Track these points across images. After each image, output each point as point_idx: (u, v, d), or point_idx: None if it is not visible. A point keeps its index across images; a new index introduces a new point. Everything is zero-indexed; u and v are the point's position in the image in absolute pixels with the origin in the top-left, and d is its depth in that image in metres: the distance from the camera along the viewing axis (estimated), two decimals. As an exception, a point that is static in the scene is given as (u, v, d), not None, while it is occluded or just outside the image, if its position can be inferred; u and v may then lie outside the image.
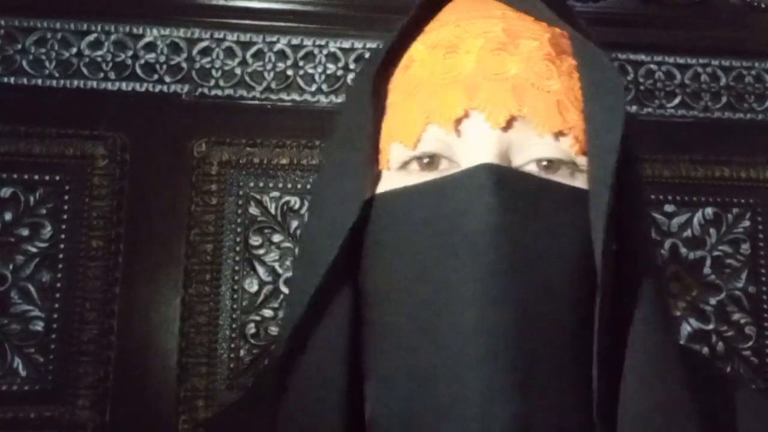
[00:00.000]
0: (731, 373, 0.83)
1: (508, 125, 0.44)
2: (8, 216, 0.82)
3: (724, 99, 0.92)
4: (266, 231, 0.85)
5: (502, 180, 0.42)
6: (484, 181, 0.42)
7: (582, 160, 0.45)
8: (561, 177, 0.45)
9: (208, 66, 0.87)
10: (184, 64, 0.87)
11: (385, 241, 0.46)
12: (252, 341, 0.83)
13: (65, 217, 0.83)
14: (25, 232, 0.82)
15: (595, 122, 0.45)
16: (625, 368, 0.43)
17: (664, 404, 0.43)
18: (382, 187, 0.47)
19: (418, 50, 0.49)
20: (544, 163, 0.45)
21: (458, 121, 0.44)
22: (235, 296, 0.83)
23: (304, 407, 0.46)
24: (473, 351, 0.40)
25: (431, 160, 0.46)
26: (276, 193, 0.86)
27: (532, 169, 0.45)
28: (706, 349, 0.87)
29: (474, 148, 0.44)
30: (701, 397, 0.45)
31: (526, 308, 0.41)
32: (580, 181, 0.46)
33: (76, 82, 0.85)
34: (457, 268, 0.41)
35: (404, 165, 0.46)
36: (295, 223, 0.86)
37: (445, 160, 0.45)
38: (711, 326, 0.88)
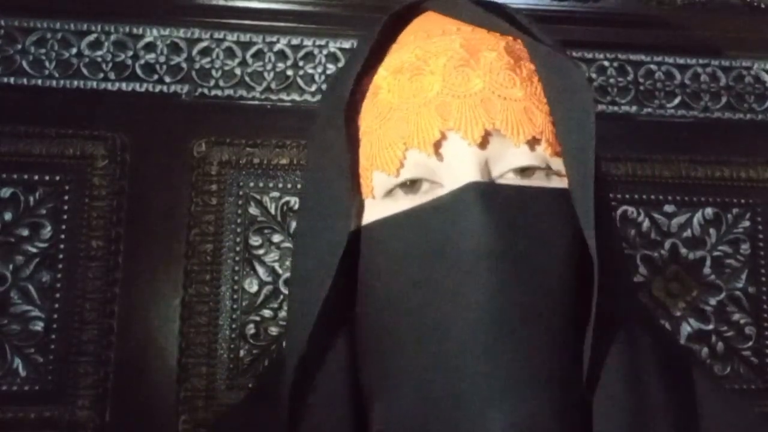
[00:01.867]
0: (702, 366, 0.83)
1: (485, 140, 0.46)
2: (8, 216, 0.82)
3: (724, 99, 0.92)
4: (266, 231, 0.85)
5: (487, 196, 0.44)
6: (471, 200, 0.44)
7: (556, 162, 0.47)
8: (538, 181, 0.47)
9: (208, 66, 0.87)
10: (184, 65, 0.87)
11: (378, 270, 0.47)
12: (252, 341, 0.83)
13: (65, 217, 0.83)
14: (25, 232, 0.82)
15: (565, 122, 0.47)
16: (606, 365, 0.45)
17: (638, 404, 0.45)
18: (369, 216, 0.48)
19: (382, 76, 0.50)
20: (521, 169, 0.47)
21: (437, 144, 0.46)
22: (235, 296, 0.83)
23: None
24: (475, 366, 0.42)
25: (413, 185, 0.47)
26: (276, 194, 0.86)
27: (509, 177, 0.47)
28: (705, 350, 0.87)
29: (455, 167, 0.46)
30: (674, 395, 0.47)
31: (524, 314, 0.43)
32: (556, 183, 0.47)
33: (76, 82, 0.85)
34: (454, 288, 0.43)
35: (388, 193, 0.47)
36: (295, 224, 0.86)
37: (427, 182, 0.47)
38: (711, 326, 0.88)
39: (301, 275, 0.49)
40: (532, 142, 0.46)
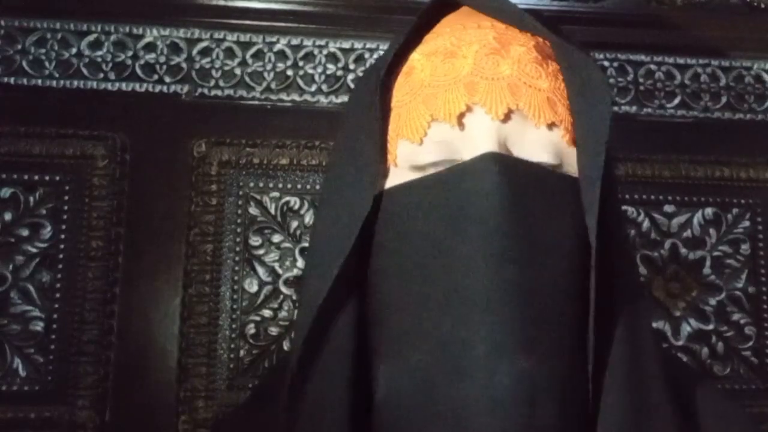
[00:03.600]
0: (697, 370, 0.84)
1: (507, 117, 0.49)
2: (8, 216, 0.82)
3: (724, 99, 0.92)
4: (266, 231, 0.85)
5: (505, 166, 0.47)
6: (490, 167, 0.47)
7: (569, 153, 0.50)
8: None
9: (208, 66, 0.87)
10: (184, 64, 0.87)
11: (397, 230, 0.49)
12: (252, 341, 0.83)
13: (65, 217, 0.83)
14: (25, 233, 0.82)
15: (584, 115, 0.50)
16: (613, 345, 0.47)
17: (641, 402, 0.47)
18: (391, 182, 0.51)
19: (417, 59, 0.53)
20: (534, 161, 0.49)
21: (461, 116, 0.49)
22: (235, 296, 0.83)
23: (316, 408, 0.48)
24: (481, 315, 0.44)
25: (435, 165, 0.49)
26: (276, 194, 0.86)
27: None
28: (705, 350, 0.87)
29: (477, 138, 0.49)
30: (675, 393, 0.49)
31: (530, 279, 0.45)
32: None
33: (76, 82, 0.85)
34: (467, 245, 0.45)
35: (412, 168, 0.50)
36: (295, 224, 0.86)
37: (448, 162, 0.49)
38: (711, 326, 0.88)
39: (324, 238, 0.51)
40: (551, 126, 0.49)
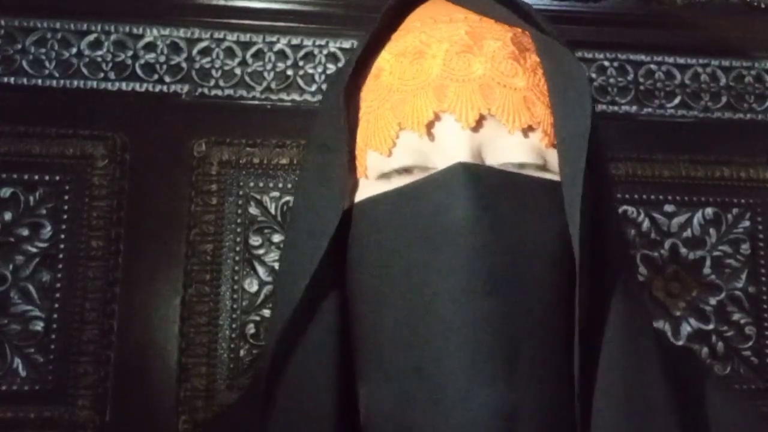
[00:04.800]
0: (703, 364, 0.83)
1: (478, 124, 0.46)
2: (8, 216, 0.82)
3: (724, 99, 0.92)
4: (266, 231, 0.85)
5: (477, 176, 0.44)
6: (460, 179, 0.44)
7: (551, 154, 0.47)
8: (530, 172, 0.47)
9: (208, 66, 0.87)
10: (184, 64, 0.87)
11: (368, 245, 0.47)
12: (252, 341, 0.83)
13: (65, 217, 0.83)
14: (25, 232, 0.82)
15: (562, 114, 0.46)
16: (601, 361, 0.44)
17: (640, 402, 0.44)
18: (361, 194, 0.48)
19: (385, 59, 0.50)
20: (516, 165, 0.46)
21: (430, 125, 0.46)
22: (235, 296, 0.83)
23: (294, 417, 0.46)
24: (456, 341, 0.42)
25: (407, 171, 0.47)
26: (276, 193, 0.86)
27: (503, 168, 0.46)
28: (705, 350, 0.87)
29: (447, 149, 0.46)
30: (676, 393, 0.46)
31: (507, 298, 0.42)
32: (549, 177, 0.47)
33: (76, 82, 0.85)
34: (439, 263, 0.43)
35: (382, 176, 0.47)
36: (295, 223, 0.86)
37: (419, 169, 0.47)
38: (711, 326, 0.88)
39: (293, 250, 0.49)
40: (527, 131, 0.46)
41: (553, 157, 0.47)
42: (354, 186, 0.49)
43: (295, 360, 0.46)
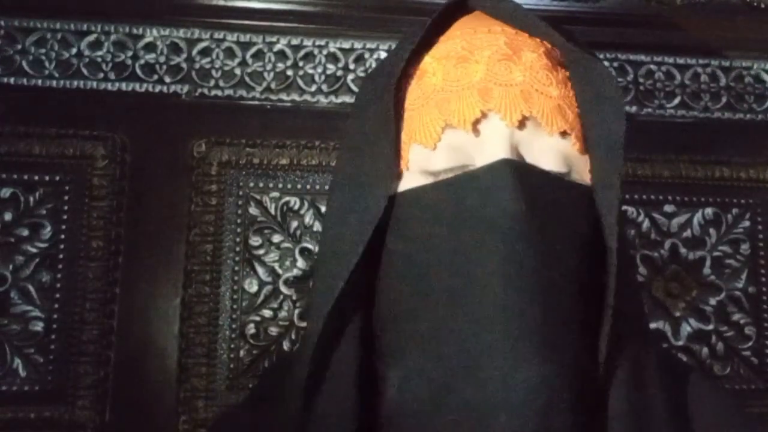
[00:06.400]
0: (691, 365, 0.85)
1: (521, 124, 0.49)
2: (8, 216, 0.82)
3: (723, 99, 0.92)
4: (266, 231, 0.85)
5: (520, 172, 0.47)
6: (505, 174, 0.47)
7: (580, 162, 0.51)
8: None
9: (208, 66, 0.87)
10: (184, 65, 0.87)
11: (409, 236, 0.49)
12: (252, 341, 0.83)
13: (65, 217, 0.83)
14: (25, 232, 0.82)
15: (597, 123, 0.50)
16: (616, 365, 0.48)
17: (641, 406, 0.48)
18: (402, 186, 0.51)
19: (428, 62, 0.53)
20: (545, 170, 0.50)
21: (476, 122, 0.49)
22: (235, 296, 0.83)
23: (325, 412, 0.48)
24: (502, 319, 0.44)
25: (450, 170, 0.50)
26: (276, 194, 0.86)
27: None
28: (705, 350, 0.87)
29: (491, 145, 0.49)
30: (673, 395, 0.50)
31: (546, 282, 0.45)
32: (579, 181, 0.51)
33: (76, 83, 0.85)
34: (483, 250, 0.46)
35: (424, 172, 0.50)
36: (295, 224, 0.86)
37: (460, 169, 0.49)
38: (711, 326, 0.88)
39: (334, 244, 0.51)
40: (563, 134, 0.50)
41: (579, 164, 0.51)
42: (397, 177, 0.51)
43: (332, 348, 0.49)
